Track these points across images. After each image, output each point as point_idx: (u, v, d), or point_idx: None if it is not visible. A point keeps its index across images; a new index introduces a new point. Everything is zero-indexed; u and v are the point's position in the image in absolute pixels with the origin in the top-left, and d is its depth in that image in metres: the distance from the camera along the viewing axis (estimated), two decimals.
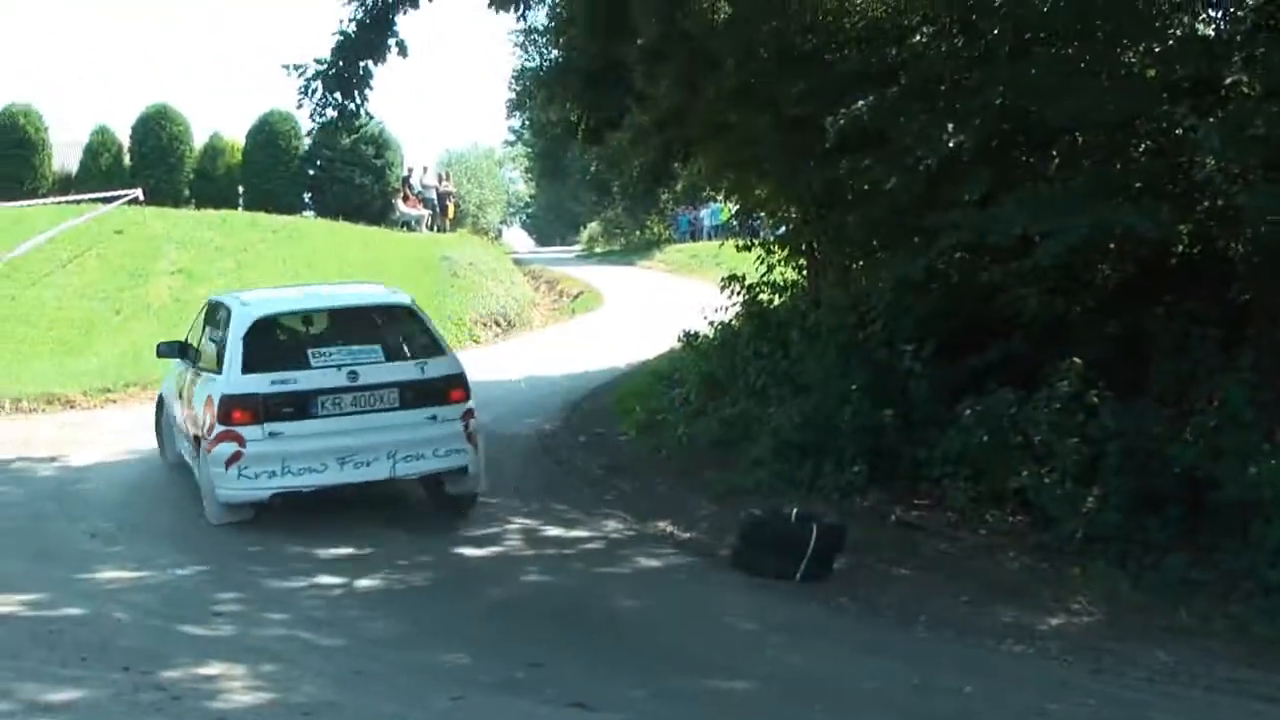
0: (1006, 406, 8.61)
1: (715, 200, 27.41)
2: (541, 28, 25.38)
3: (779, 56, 10.43)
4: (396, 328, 9.54)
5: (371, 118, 12.89)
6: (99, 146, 29.67)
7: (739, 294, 12.54)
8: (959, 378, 9.26)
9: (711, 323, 13.00)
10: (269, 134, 30.11)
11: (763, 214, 14.11)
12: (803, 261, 12.58)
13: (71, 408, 14.33)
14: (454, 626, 7.00)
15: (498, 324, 21.19)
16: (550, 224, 56.33)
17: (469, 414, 9.16)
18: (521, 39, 35.89)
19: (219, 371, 8.91)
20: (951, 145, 8.67)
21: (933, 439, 9.09)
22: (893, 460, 9.44)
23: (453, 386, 9.12)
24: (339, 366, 8.80)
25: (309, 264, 22.01)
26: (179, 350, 10.14)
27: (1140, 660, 6.53)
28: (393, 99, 65.61)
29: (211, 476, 8.74)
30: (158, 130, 29.56)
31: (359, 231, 26.86)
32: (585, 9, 10.86)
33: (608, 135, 11.99)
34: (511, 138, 51.55)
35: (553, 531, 9.23)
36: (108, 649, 6.17)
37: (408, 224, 30.03)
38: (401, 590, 7.77)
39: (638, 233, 37.48)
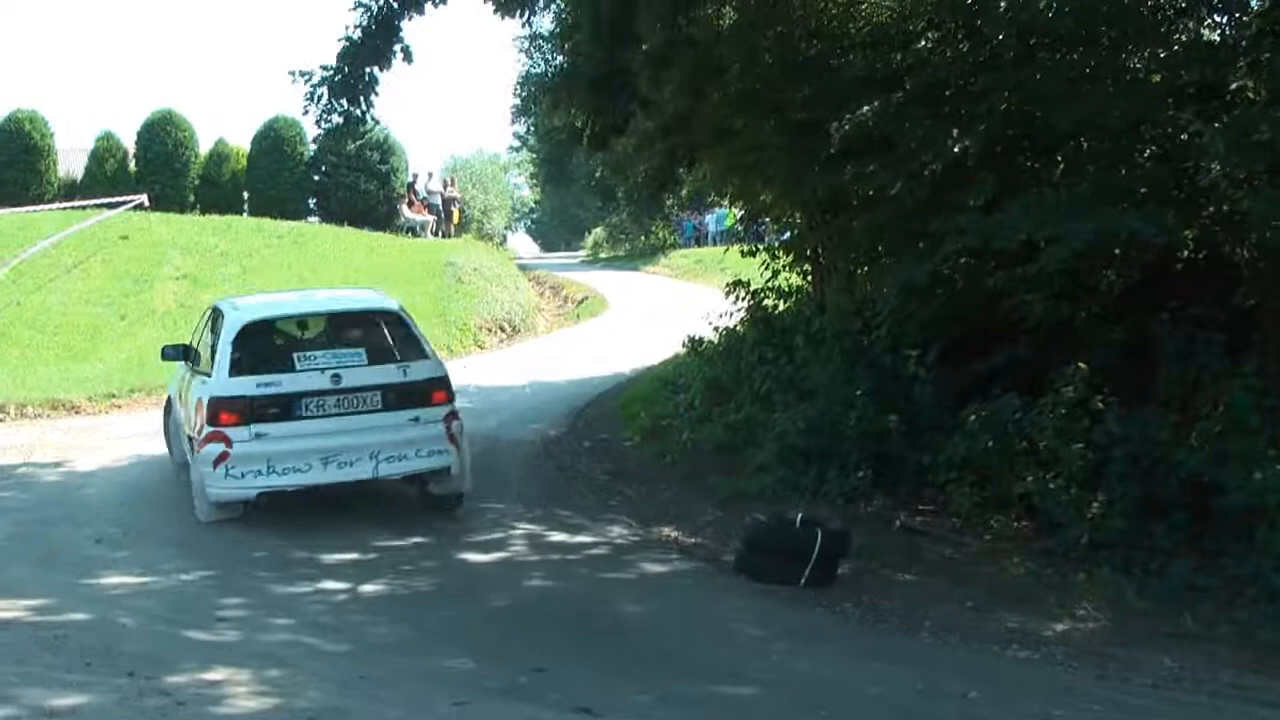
0: (1011, 412, 8.61)
1: (720, 206, 27.45)
2: (546, 33, 25.53)
3: (784, 62, 10.45)
4: (382, 332, 9.70)
5: (377, 123, 12.96)
6: (104, 152, 29.75)
7: (744, 299, 12.55)
8: (964, 383, 9.25)
9: (716, 328, 13.01)
10: (274, 140, 30.19)
11: (768, 219, 14.14)
12: (807, 267, 12.59)
13: (76, 413, 14.34)
14: (458, 632, 7.00)
15: (502, 329, 21.21)
16: (555, 229, 56.36)
17: (451, 415, 9.39)
18: (527, 45, 35.88)
19: (211, 375, 9.19)
20: (956, 150, 8.68)
21: (937, 444, 9.08)
22: (897, 465, 9.43)
23: (435, 389, 9.37)
24: (323, 370, 9.07)
25: (314, 269, 22.07)
26: (182, 353, 10.40)
27: (1145, 666, 6.52)
28: (398, 105, 65.73)
29: (201, 475, 9.01)
30: (163, 136, 29.62)
31: (364, 237, 26.91)
32: (590, 15, 10.88)
33: (613, 141, 12.00)
34: (516, 143, 51.59)
35: (557, 537, 9.23)
36: (112, 654, 6.19)
37: (413, 229, 30.09)
38: (406, 595, 7.77)
39: (643, 238, 37.48)
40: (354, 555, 8.47)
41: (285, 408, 8.94)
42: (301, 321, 10.02)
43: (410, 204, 31.00)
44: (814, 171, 10.33)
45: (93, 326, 18.77)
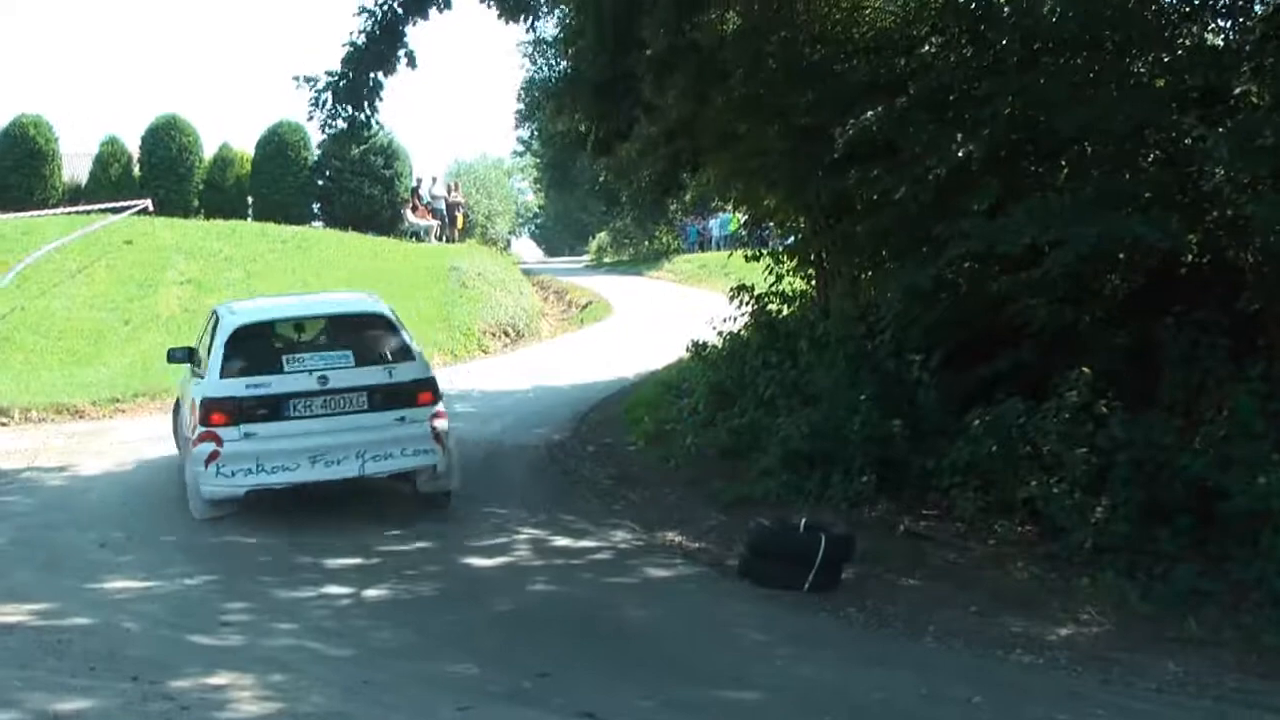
0: (1015, 416, 8.60)
1: (724, 210, 27.41)
2: (551, 39, 25.62)
3: (787, 67, 10.47)
4: (370, 334, 9.85)
5: (381, 128, 12.99)
6: (109, 157, 29.80)
7: (748, 304, 12.53)
8: (968, 387, 9.25)
9: (720, 333, 13.00)
10: (278, 144, 30.24)
11: (771, 224, 14.13)
12: (811, 271, 12.59)
13: (80, 418, 14.35)
14: (462, 636, 7.01)
15: (506, 334, 21.19)
16: (559, 234, 56.31)
17: (437, 415, 9.58)
18: (531, 50, 35.91)
19: (205, 376, 9.45)
20: (960, 155, 8.69)
21: (941, 449, 9.07)
22: (901, 470, 9.42)
23: (421, 390, 9.60)
24: (310, 371, 9.35)
25: (318, 274, 22.08)
26: (187, 356, 10.64)
27: (1149, 671, 6.52)
28: (402, 109, 65.78)
29: (194, 474, 9.30)
30: (167, 141, 29.66)
31: (368, 242, 26.93)
32: (594, 20, 10.89)
33: (617, 146, 12.01)
34: (520, 148, 51.53)
35: (561, 541, 9.23)
36: (116, 659, 6.19)
37: (416, 234, 30.11)
38: (409, 600, 7.77)
39: (646, 243, 37.42)
40: (357, 560, 8.49)
41: (274, 408, 9.21)
42: (292, 325, 10.25)
43: (414, 209, 31.03)
44: (818, 176, 10.35)
45: (97, 331, 18.79)
